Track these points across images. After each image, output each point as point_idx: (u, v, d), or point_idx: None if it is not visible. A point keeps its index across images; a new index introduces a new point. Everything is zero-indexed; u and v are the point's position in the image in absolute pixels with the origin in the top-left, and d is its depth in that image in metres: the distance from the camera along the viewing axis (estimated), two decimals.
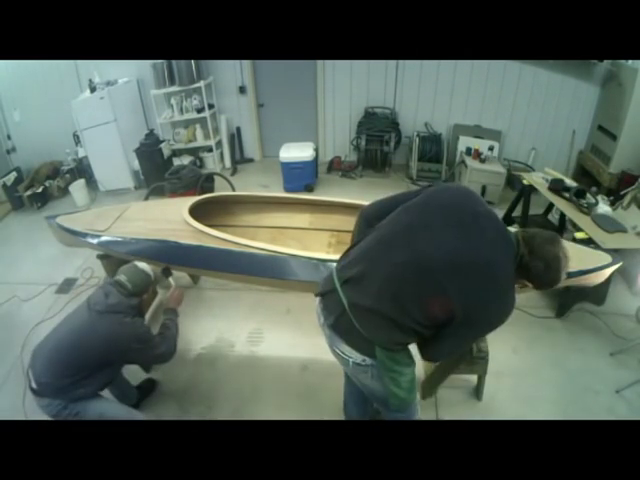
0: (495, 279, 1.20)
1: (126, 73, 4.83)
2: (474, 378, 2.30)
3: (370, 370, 1.35)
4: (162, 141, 4.72)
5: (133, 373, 2.38)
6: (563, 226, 3.37)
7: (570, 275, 1.84)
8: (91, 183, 4.89)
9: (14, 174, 4.68)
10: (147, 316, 2.90)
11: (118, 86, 4.67)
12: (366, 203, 2.50)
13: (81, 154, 4.87)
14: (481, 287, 1.19)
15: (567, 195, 2.89)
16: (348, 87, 4.88)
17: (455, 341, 1.31)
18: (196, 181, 4.11)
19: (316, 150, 4.69)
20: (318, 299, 1.47)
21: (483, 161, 4.32)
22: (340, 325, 1.34)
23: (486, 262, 1.19)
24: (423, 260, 1.22)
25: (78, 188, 4.64)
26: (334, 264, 1.51)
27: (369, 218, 1.48)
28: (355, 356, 1.34)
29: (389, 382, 1.34)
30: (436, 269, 1.20)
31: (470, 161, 4.35)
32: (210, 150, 5.15)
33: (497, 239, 1.23)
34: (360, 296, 1.30)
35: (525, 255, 1.20)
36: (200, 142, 5.14)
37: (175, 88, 4.76)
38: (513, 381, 2.40)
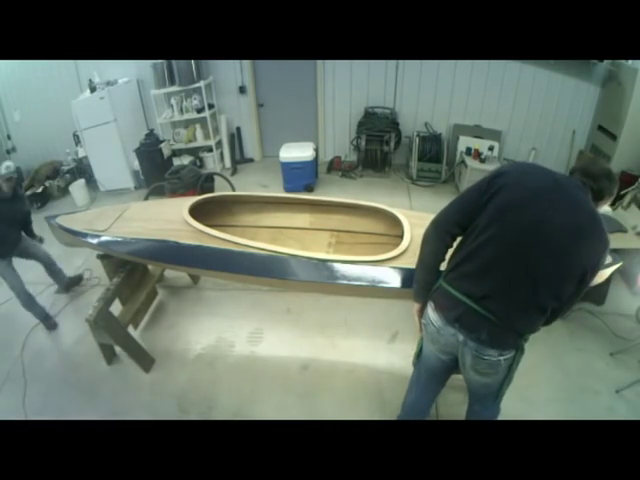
0: (600, 225, 1.30)
1: (126, 73, 4.83)
2: None
3: (507, 362, 1.45)
4: (162, 141, 4.73)
5: None
6: None
7: None
8: (91, 183, 4.89)
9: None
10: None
11: (118, 86, 4.67)
12: (366, 203, 2.55)
13: (81, 154, 4.88)
14: (598, 240, 1.30)
15: None
16: (348, 87, 4.88)
17: (579, 296, 1.41)
18: (196, 181, 4.12)
19: (316, 150, 4.69)
20: (446, 322, 1.47)
21: (483, 161, 4.32)
22: (493, 335, 1.39)
23: (590, 216, 1.30)
24: (556, 247, 1.28)
25: (78, 188, 4.65)
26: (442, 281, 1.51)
27: (448, 228, 1.47)
28: (505, 354, 1.42)
29: (515, 368, 1.49)
30: (569, 248, 1.27)
31: (470, 161, 4.35)
32: (210, 150, 5.16)
33: (578, 191, 1.32)
34: (508, 302, 1.35)
35: (593, 184, 1.33)
36: (200, 142, 5.14)
37: (175, 88, 4.76)
38: (513, 381, 2.40)
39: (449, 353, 1.56)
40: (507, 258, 1.32)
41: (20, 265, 2.83)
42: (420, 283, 1.61)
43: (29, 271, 2.98)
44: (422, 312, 1.63)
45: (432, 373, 1.78)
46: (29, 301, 2.84)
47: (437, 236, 1.49)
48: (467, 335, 1.41)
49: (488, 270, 1.35)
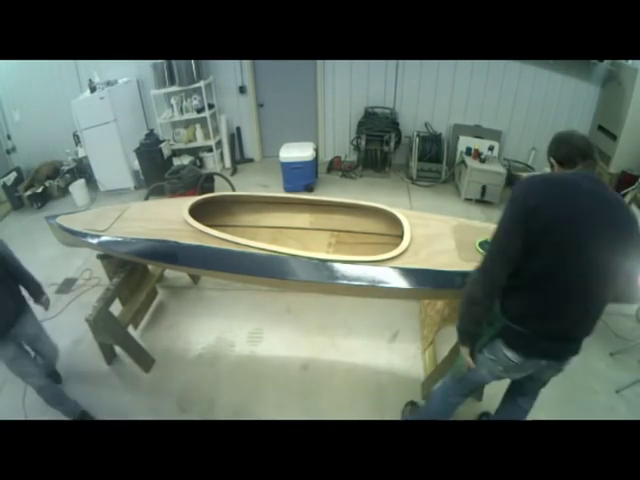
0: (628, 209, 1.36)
1: (126, 73, 4.83)
2: None
3: None
4: (162, 141, 4.73)
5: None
6: None
7: None
8: (91, 183, 4.89)
9: (14, 174, 4.69)
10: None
11: (118, 86, 4.67)
12: (366, 203, 2.54)
13: (81, 154, 4.88)
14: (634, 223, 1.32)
15: None
16: (348, 87, 4.88)
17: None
18: (196, 181, 4.12)
19: (316, 150, 4.69)
20: (528, 358, 1.48)
21: (483, 161, 4.32)
22: (576, 350, 1.50)
23: (622, 206, 1.34)
24: (613, 256, 1.28)
25: (78, 188, 4.64)
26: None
27: (498, 284, 1.39)
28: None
29: None
30: (623, 249, 1.28)
31: (470, 161, 4.35)
32: (210, 150, 5.16)
33: (603, 187, 1.34)
34: (583, 323, 1.42)
35: (594, 163, 1.39)
36: (200, 142, 5.14)
37: (175, 88, 4.76)
38: None
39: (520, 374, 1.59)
40: (577, 291, 1.32)
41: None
42: (470, 334, 1.56)
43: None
44: (473, 353, 1.61)
45: (478, 385, 1.78)
46: (55, 397, 2.07)
47: (487, 296, 1.41)
48: (555, 361, 1.50)
49: (560, 307, 1.36)
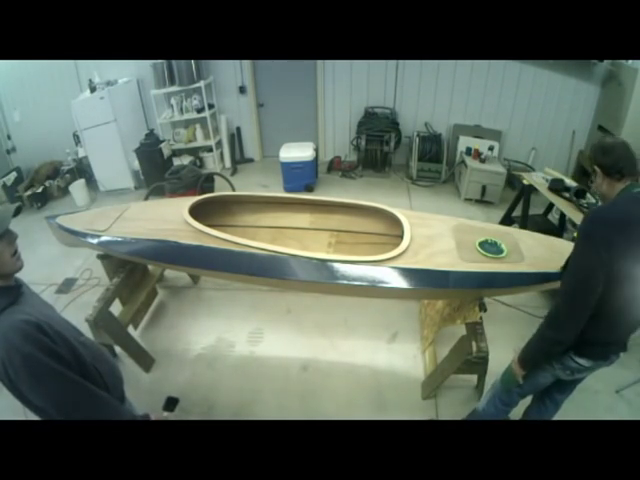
0: None
1: (126, 73, 4.83)
2: (474, 378, 2.30)
3: None
4: (162, 141, 4.73)
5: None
6: (563, 226, 3.37)
7: None
8: (91, 183, 4.89)
9: (14, 174, 4.69)
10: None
11: (118, 86, 4.67)
12: (366, 203, 2.54)
13: (81, 154, 4.87)
14: None
15: (567, 195, 2.89)
16: (348, 87, 4.88)
17: None
18: (196, 181, 4.12)
19: (316, 150, 4.69)
20: (596, 361, 1.56)
21: (483, 161, 4.32)
22: (621, 352, 1.58)
23: None
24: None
25: (78, 188, 4.64)
26: None
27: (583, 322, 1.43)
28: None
29: None
30: None
31: (470, 161, 4.35)
32: (210, 150, 5.16)
33: None
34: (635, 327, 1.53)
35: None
36: (200, 142, 5.14)
37: (175, 88, 4.76)
38: None
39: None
40: (631, 304, 1.40)
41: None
42: (537, 363, 1.61)
43: (28, 270, 2.97)
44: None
45: (537, 390, 1.79)
46: None
47: (573, 337, 1.44)
48: (612, 360, 1.59)
49: (625, 318, 1.46)
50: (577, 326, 1.41)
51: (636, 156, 1.39)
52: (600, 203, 1.56)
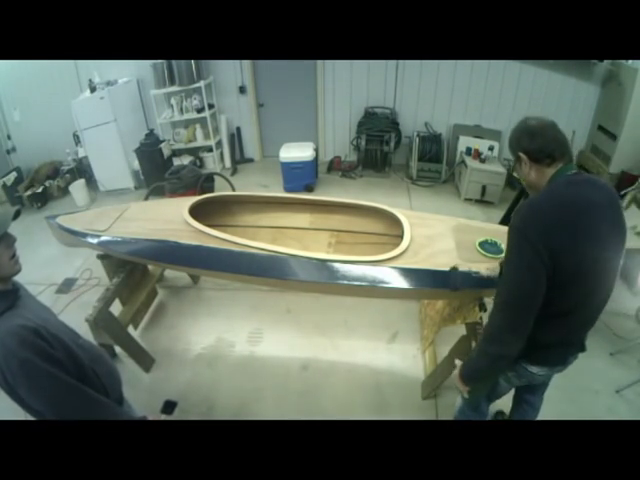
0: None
1: (126, 73, 4.83)
2: None
3: None
4: (162, 141, 4.73)
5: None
6: None
7: None
8: (91, 183, 4.89)
9: (14, 174, 4.69)
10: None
11: (118, 86, 4.67)
12: (366, 203, 2.54)
13: (81, 154, 4.88)
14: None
15: None
16: (348, 87, 4.88)
17: None
18: (196, 181, 4.12)
19: (316, 150, 4.69)
20: (552, 367, 1.47)
21: (483, 161, 4.32)
22: (580, 353, 1.47)
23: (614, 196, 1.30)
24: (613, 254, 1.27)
25: (78, 188, 4.64)
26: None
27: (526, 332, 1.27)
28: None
29: None
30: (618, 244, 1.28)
31: (470, 161, 4.35)
32: (210, 150, 5.16)
33: (591, 186, 1.26)
34: (593, 325, 1.40)
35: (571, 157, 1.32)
36: (200, 142, 5.14)
37: (175, 88, 4.76)
38: None
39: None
40: (592, 300, 1.30)
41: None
42: (484, 379, 1.50)
43: (28, 270, 2.97)
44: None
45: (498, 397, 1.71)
46: None
47: (518, 349, 1.27)
48: (569, 363, 1.47)
49: (581, 318, 1.34)
50: (521, 338, 1.24)
51: (566, 136, 1.25)
52: (530, 195, 1.36)
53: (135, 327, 2.78)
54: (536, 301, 1.21)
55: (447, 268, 1.90)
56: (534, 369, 1.42)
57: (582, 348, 1.44)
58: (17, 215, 1.22)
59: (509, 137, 1.33)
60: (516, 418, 1.84)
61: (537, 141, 1.24)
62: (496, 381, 1.55)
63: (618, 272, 1.31)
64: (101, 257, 2.54)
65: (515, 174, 1.38)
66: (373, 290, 2.01)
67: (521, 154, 1.28)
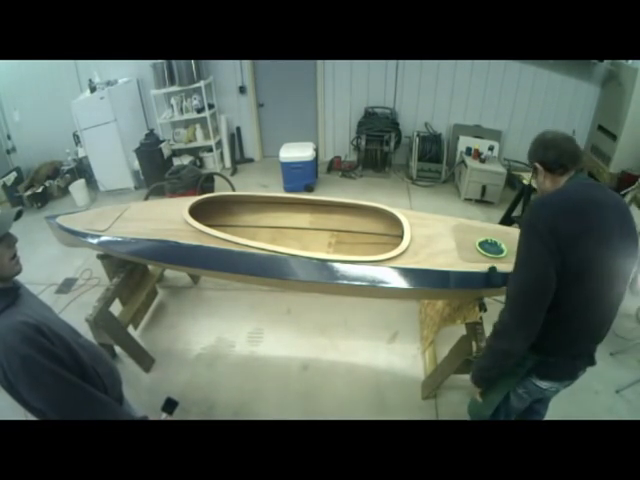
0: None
1: (126, 73, 4.83)
2: None
3: None
4: (162, 141, 4.73)
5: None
6: None
7: None
8: (91, 183, 4.89)
9: (14, 174, 4.69)
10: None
11: (118, 86, 4.67)
12: (366, 203, 2.54)
13: (81, 154, 4.88)
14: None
15: None
16: (348, 87, 4.88)
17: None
18: (196, 181, 4.12)
19: (316, 150, 4.69)
20: (562, 381, 1.46)
21: (483, 161, 4.32)
22: (589, 365, 1.44)
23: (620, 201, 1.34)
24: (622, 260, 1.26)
25: (78, 188, 4.64)
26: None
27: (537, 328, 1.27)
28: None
29: None
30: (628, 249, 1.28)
31: (470, 161, 4.35)
32: (210, 150, 5.16)
33: (601, 191, 1.32)
34: (603, 336, 1.39)
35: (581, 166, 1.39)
36: (200, 142, 5.14)
37: (175, 88, 4.76)
38: None
39: None
40: (602, 307, 1.31)
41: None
42: (492, 381, 1.50)
43: (28, 270, 2.97)
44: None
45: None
46: None
47: (526, 347, 1.29)
48: (578, 377, 1.45)
49: (589, 326, 1.33)
50: (529, 334, 1.25)
51: (579, 147, 1.35)
52: None
53: (135, 327, 2.78)
54: (544, 297, 1.21)
55: (447, 268, 1.90)
56: (543, 384, 1.43)
57: (591, 361, 1.42)
58: (19, 216, 1.22)
59: (528, 149, 1.43)
60: None
61: (551, 152, 1.33)
62: (507, 395, 1.54)
63: (628, 281, 1.31)
64: (101, 257, 2.54)
65: (533, 182, 1.46)
66: (373, 290, 2.01)
67: (537, 164, 1.37)
